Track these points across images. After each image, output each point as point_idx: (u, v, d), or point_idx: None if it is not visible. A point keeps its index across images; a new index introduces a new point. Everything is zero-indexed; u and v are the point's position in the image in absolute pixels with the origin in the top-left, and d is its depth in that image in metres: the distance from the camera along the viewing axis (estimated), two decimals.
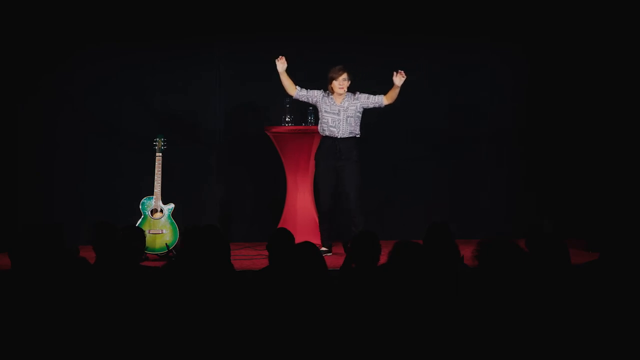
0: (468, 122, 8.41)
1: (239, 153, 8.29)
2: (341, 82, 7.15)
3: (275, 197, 7.98)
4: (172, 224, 7.19)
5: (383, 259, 4.14)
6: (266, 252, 4.87)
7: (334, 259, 6.61)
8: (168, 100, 8.19)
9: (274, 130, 7.72)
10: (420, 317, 3.47)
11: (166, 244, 7.10)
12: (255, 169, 8.28)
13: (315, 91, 7.27)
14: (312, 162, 7.52)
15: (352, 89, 7.23)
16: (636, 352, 3.54)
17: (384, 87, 8.08)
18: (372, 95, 7.24)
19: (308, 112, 7.68)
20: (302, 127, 7.61)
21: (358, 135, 7.24)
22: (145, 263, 6.14)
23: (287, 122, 7.62)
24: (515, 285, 3.45)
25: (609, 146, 7.70)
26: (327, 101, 7.21)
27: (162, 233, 7.17)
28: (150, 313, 3.65)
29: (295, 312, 3.53)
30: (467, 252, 3.95)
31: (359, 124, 7.23)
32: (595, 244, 6.71)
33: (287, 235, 4.90)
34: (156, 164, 7.24)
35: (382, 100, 7.22)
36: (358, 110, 7.21)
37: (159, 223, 7.19)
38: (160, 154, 7.28)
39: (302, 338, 3.43)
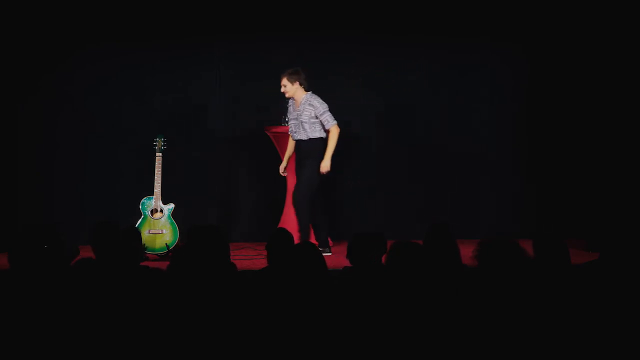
0: (468, 122, 8.41)
1: (239, 153, 8.29)
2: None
3: (275, 197, 7.97)
4: (172, 224, 7.18)
5: (382, 258, 4.13)
6: (266, 252, 4.86)
7: (334, 259, 6.61)
8: (168, 100, 8.18)
9: (274, 130, 7.72)
10: (420, 317, 3.47)
11: (166, 244, 7.10)
12: (255, 169, 8.28)
13: (289, 107, 7.29)
14: None
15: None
16: (636, 352, 3.54)
17: (382, 86, 8.11)
18: (324, 117, 7.11)
19: None
20: None
21: (317, 137, 7.16)
22: (145, 263, 6.13)
23: (287, 122, 7.61)
24: (515, 285, 3.45)
25: (609, 146, 7.70)
26: (291, 108, 7.28)
27: (162, 233, 7.17)
28: (150, 313, 3.64)
29: (295, 312, 3.53)
30: (467, 252, 3.95)
31: (318, 128, 7.15)
32: (595, 244, 6.72)
33: (287, 235, 4.89)
34: (156, 164, 7.24)
35: (328, 130, 7.14)
36: (312, 117, 7.15)
37: (159, 223, 7.19)
38: (160, 154, 7.27)
39: (302, 338, 3.43)
